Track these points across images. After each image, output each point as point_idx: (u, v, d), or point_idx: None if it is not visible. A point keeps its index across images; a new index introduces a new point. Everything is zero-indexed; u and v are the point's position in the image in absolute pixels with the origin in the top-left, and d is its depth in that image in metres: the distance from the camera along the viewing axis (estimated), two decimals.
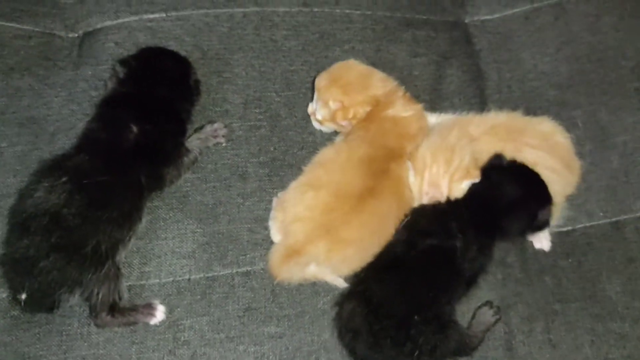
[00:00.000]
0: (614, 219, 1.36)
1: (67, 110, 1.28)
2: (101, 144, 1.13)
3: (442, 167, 1.17)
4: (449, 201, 1.18)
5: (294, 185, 1.20)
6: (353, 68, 1.28)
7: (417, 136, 1.25)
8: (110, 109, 1.17)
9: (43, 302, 1.08)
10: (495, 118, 1.30)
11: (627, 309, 1.27)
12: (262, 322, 1.16)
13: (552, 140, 1.27)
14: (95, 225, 1.07)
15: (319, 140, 1.32)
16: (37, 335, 1.12)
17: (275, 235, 1.21)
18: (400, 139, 1.22)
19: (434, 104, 1.42)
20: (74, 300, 1.10)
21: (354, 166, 1.18)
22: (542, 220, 1.19)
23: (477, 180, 1.16)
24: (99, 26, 1.40)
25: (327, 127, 1.30)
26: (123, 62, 1.21)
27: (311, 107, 1.30)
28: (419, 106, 1.29)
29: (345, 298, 1.13)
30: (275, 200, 1.23)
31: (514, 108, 1.44)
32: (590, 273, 1.30)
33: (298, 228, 1.13)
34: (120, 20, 1.39)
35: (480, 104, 1.46)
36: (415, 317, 1.08)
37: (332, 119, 1.25)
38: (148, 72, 1.21)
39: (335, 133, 1.31)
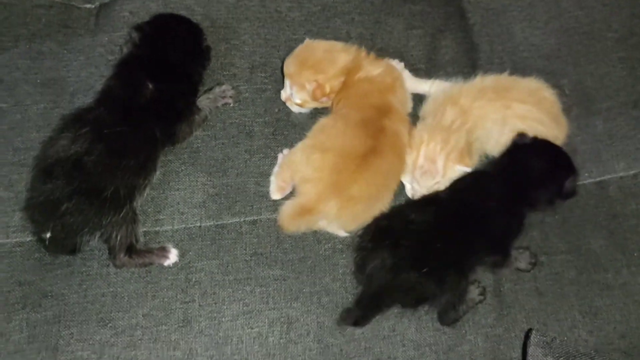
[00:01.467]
0: (598, 179, 1.44)
1: (86, 72, 1.37)
2: (119, 99, 1.22)
3: (439, 144, 1.24)
4: (485, 173, 1.27)
5: (300, 147, 1.28)
6: (315, 47, 1.35)
7: (394, 87, 1.33)
8: (127, 69, 1.26)
9: (66, 242, 1.16)
10: (482, 82, 1.38)
11: (610, 261, 1.34)
12: (268, 265, 1.24)
13: (539, 95, 1.35)
14: (114, 171, 1.15)
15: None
16: (60, 275, 1.20)
17: (274, 193, 1.29)
18: (381, 95, 1.30)
19: (429, 73, 1.50)
20: (94, 242, 1.18)
21: (353, 130, 1.26)
22: (569, 190, 1.27)
23: (469, 169, 1.22)
24: None
25: (307, 109, 1.38)
26: (138, 27, 1.30)
27: (284, 94, 1.37)
28: (385, 61, 1.38)
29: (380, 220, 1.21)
30: (280, 157, 1.32)
31: None
32: (576, 228, 1.38)
33: (309, 188, 1.21)
34: None
35: (473, 74, 1.54)
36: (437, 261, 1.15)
37: (312, 98, 1.33)
38: (161, 36, 1.30)
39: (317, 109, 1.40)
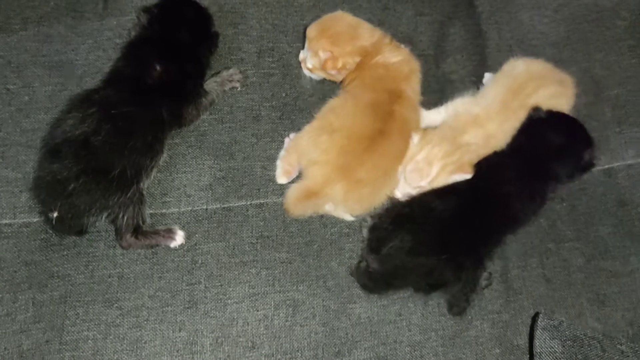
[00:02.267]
0: (606, 166, 1.43)
1: (94, 55, 1.37)
2: (127, 79, 1.22)
3: (442, 152, 1.22)
4: (502, 152, 1.26)
5: (307, 129, 1.27)
6: (342, 19, 1.35)
7: (410, 77, 1.33)
8: (135, 50, 1.26)
9: (73, 223, 1.16)
10: (499, 92, 1.33)
11: (618, 249, 1.34)
12: (274, 248, 1.24)
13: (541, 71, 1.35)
14: (121, 152, 1.15)
15: (327, 88, 1.40)
16: (66, 256, 1.20)
17: (280, 177, 1.28)
18: (395, 82, 1.29)
19: (437, 59, 1.50)
20: (101, 223, 1.18)
21: (362, 111, 1.26)
22: (588, 161, 1.28)
23: (467, 175, 1.21)
24: None
25: (316, 75, 1.38)
26: (146, 9, 1.30)
27: (302, 55, 1.38)
28: (406, 51, 1.36)
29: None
30: (287, 141, 1.31)
31: None
32: (584, 216, 1.38)
33: (316, 171, 1.21)
34: None
35: (481, 61, 1.54)
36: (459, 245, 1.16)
37: (322, 67, 1.33)
38: (170, 18, 1.30)
39: (328, 82, 1.40)
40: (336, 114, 1.27)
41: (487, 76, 1.49)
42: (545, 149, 1.27)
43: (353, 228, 1.28)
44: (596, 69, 1.51)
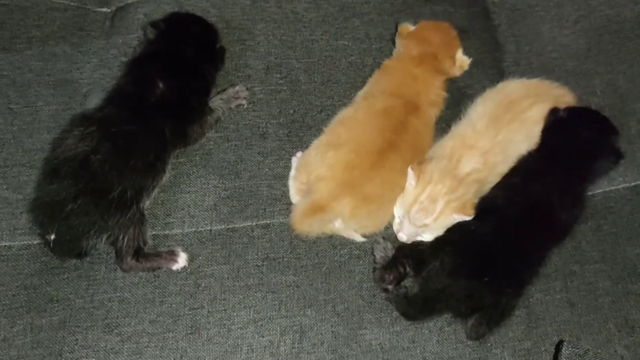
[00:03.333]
0: (633, 184, 1.36)
1: (98, 74, 1.34)
2: (129, 97, 1.19)
3: (445, 189, 1.16)
4: (533, 160, 1.22)
5: (315, 145, 1.23)
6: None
7: (435, 102, 1.29)
8: (139, 66, 1.23)
9: (71, 245, 1.12)
10: (487, 107, 1.28)
11: None
12: (280, 271, 1.18)
13: (537, 89, 1.31)
14: (121, 171, 1.12)
15: (337, 104, 1.35)
16: (66, 279, 1.17)
17: (294, 197, 1.24)
18: (418, 95, 1.25)
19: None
20: (101, 245, 1.14)
21: (373, 120, 1.21)
22: (617, 151, 1.24)
23: (468, 217, 1.15)
24: (130, 1, 1.47)
25: None
26: (153, 24, 1.27)
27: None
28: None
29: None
30: (294, 160, 1.27)
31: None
32: (610, 236, 1.30)
33: (322, 186, 1.16)
34: None
35: (498, 75, 1.48)
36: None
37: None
38: (176, 34, 1.27)
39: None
40: (345, 125, 1.23)
41: None
42: (580, 148, 1.23)
43: (364, 250, 1.22)
44: (620, 81, 1.45)
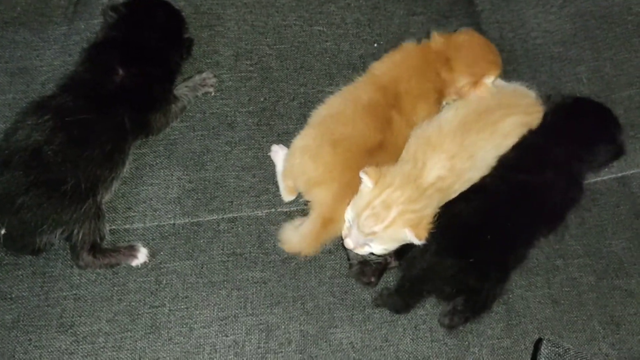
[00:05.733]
0: (620, 174, 1.30)
1: (59, 61, 1.28)
2: (86, 84, 1.13)
3: (403, 198, 1.07)
4: (540, 137, 1.18)
5: (299, 144, 1.14)
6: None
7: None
8: (97, 52, 1.17)
9: (24, 240, 1.06)
10: (459, 112, 1.20)
11: (634, 265, 1.21)
12: (247, 267, 1.13)
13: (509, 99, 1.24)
14: (75, 162, 1.06)
15: (310, 91, 1.29)
16: (20, 276, 1.11)
17: (286, 195, 1.17)
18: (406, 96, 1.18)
19: None
20: (55, 241, 1.08)
21: (362, 116, 1.13)
22: (620, 146, 1.22)
23: (416, 240, 1.05)
24: None
25: None
26: (113, 8, 1.21)
27: None
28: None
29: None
30: (275, 154, 1.19)
31: (515, 66, 1.42)
32: (595, 229, 1.25)
33: (322, 193, 1.08)
34: None
35: None
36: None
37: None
38: (137, 18, 1.21)
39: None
40: (335, 120, 1.13)
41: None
42: (584, 134, 1.19)
43: (335, 244, 1.16)
44: (606, 68, 1.39)
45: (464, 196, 1.12)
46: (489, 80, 1.23)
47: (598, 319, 1.16)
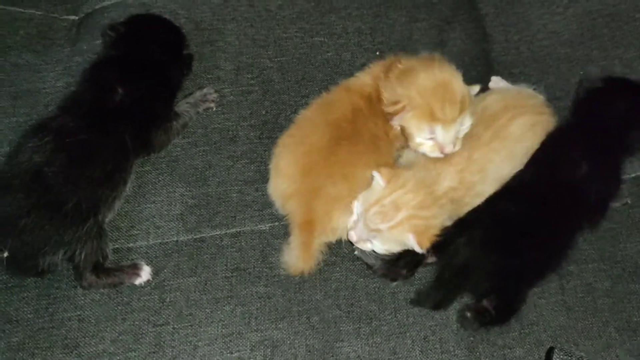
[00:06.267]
0: (633, 175, 1.27)
1: (62, 82, 1.29)
2: (85, 104, 1.12)
3: (415, 202, 1.06)
4: (566, 132, 1.16)
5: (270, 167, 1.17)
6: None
7: None
8: (97, 72, 1.17)
9: (27, 263, 1.06)
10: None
11: None
12: (251, 282, 1.11)
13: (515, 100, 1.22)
14: (76, 183, 1.05)
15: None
16: (26, 298, 1.11)
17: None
18: None
19: None
20: (58, 262, 1.08)
21: (319, 115, 1.16)
22: None
23: (418, 248, 1.05)
24: (97, 7, 1.42)
25: None
26: (112, 27, 1.21)
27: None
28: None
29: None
30: None
31: (522, 69, 1.40)
32: (609, 232, 1.22)
33: (293, 205, 1.10)
34: (116, 0, 1.40)
35: (486, 66, 1.41)
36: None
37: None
38: (136, 37, 1.21)
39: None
40: (297, 126, 1.17)
41: (495, 80, 1.35)
42: (618, 119, 1.16)
43: (340, 256, 1.15)
44: (616, 67, 1.37)
45: (505, 194, 1.11)
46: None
47: (614, 325, 1.12)
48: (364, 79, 1.21)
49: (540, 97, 1.26)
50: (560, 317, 1.12)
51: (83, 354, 1.05)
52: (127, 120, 1.13)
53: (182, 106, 1.22)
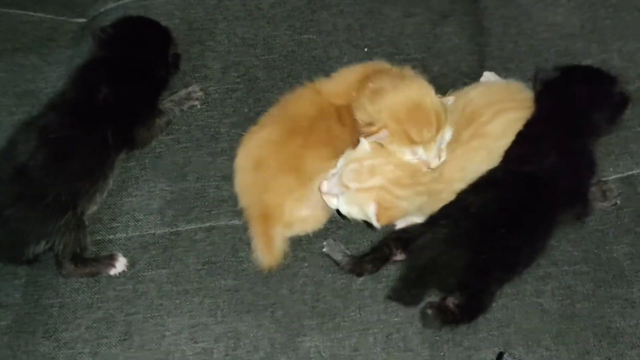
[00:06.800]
0: (626, 174, 1.22)
1: (63, 83, 1.35)
2: (70, 102, 1.19)
3: (392, 175, 1.06)
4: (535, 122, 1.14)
5: None
6: None
7: None
8: (83, 72, 1.23)
9: (12, 250, 1.14)
10: None
11: (636, 273, 1.12)
12: (220, 275, 1.14)
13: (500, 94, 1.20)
14: (55, 177, 1.12)
15: None
16: (17, 285, 1.19)
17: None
18: None
19: (426, 63, 1.35)
20: (41, 251, 1.14)
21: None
22: (620, 95, 1.17)
23: (377, 224, 1.05)
24: (102, 10, 1.49)
25: None
26: (101, 29, 1.27)
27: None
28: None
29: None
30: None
31: (518, 64, 1.36)
32: (595, 234, 1.17)
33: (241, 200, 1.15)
34: (120, 2, 1.47)
35: (478, 61, 1.37)
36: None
37: None
38: (122, 38, 1.26)
39: None
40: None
41: (487, 75, 1.32)
42: (578, 105, 1.15)
43: (310, 251, 1.16)
44: (614, 61, 1.31)
45: (474, 189, 1.09)
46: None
47: (593, 331, 1.08)
48: (336, 88, 1.21)
49: (530, 92, 1.22)
50: (534, 320, 1.09)
51: (60, 338, 1.11)
52: (110, 118, 1.19)
53: (167, 104, 1.27)
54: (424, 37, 1.39)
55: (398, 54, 1.36)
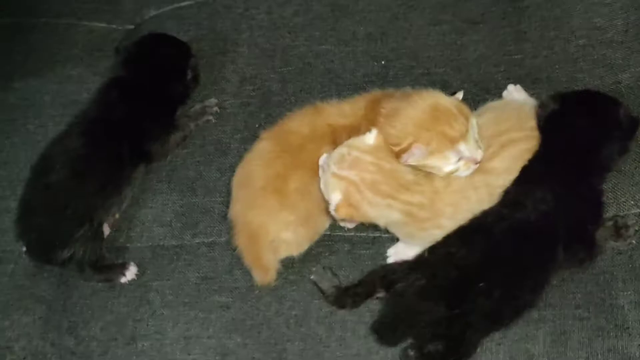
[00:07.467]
0: None
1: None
2: (90, 120, 1.29)
3: (369, 177, 1.01)
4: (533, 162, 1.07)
5: None
6: None
7: None
8: (102, 90, 1.33)
9: (45, 254, 1.28)
10: None
11: None
12: (215, 291, 1.20)
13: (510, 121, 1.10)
14: (73, 192, 1.24)
15: None
16: (52, 283, 1.33)
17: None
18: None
19: (445, 77, 1.29)
20: (67, 256, 1.27)
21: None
22: (628, 120, 1.06)
23: (336, 215, 1.02)
24: (146, 17, 1.57)
25: None
26: (125, 48, 1.36)
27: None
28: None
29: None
30: None
31: (550, 74, 1.26)
32: (603, 276, 1.07)
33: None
34: (160, 11, 1.54)
35: (504, 74, 1.28)
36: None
37: None
38: (142, 56, 1.33)
39: None
40: None
41: (510, 89, 1.23)
42: (585, 140, 1.05)
43: (301, 275, 1.18)
44: None
45: (461, 236, 1.04)
46: None
47: None
48: (343, 106, 1.18)
49: None
50: None
51: (79, 336, 1.24)
52: (126, 135, 1.27)
53: (182, 119, 1.33)
54: (448, 47, 1.32)
55: (417, 68, 1.30)
